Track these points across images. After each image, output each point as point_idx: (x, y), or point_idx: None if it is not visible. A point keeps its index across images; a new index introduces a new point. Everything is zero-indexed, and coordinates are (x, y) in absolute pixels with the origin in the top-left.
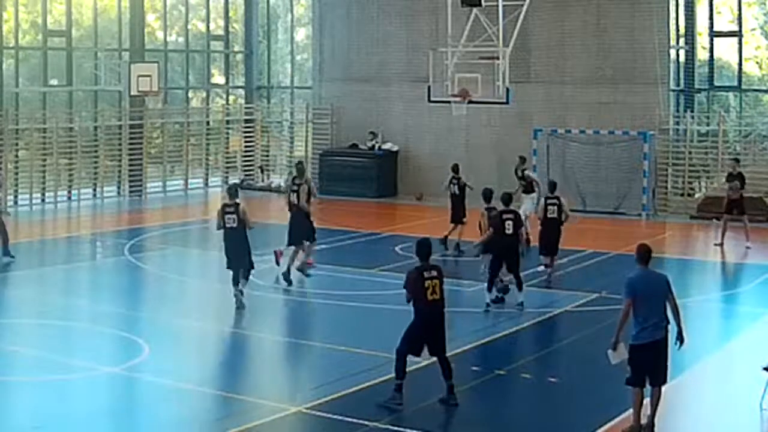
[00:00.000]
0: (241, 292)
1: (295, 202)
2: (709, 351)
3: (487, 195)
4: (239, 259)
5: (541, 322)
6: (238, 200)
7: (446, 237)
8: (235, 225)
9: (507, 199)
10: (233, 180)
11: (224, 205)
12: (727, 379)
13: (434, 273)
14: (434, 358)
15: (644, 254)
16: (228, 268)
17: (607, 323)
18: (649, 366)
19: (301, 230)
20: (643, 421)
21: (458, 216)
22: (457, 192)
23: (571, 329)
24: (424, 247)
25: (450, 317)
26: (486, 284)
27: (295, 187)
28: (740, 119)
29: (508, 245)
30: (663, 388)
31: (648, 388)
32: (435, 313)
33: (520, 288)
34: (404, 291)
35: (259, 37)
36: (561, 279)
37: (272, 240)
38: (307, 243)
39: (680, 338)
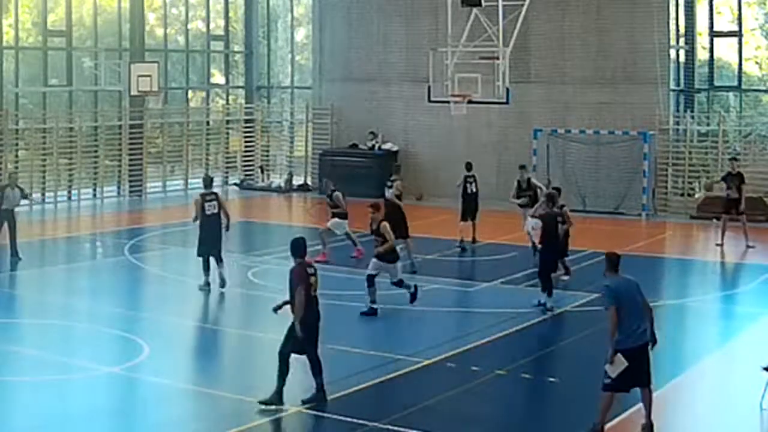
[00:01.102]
0: (222, 279)
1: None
2: (709, 351)
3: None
4: (216, 244)
5: (541, 322)
6: (214, 190)
7: (462, 240)
8: (216, 211)
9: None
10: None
11: (203, 194)
12: (727, 379)
13: (313, 269)
14: (435, 357)
15: (614, 261)
16: (200, 254)
17: (607, 324)
18: (637, 370)
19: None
20: (642, 421)
21: (471, 213)
22: (474, 190)
23: (571, 329)
24: (300, 243)
25: (450, 317)
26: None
27: (390, 183)
28: (740, 119)
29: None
30: (663, 388)
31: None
32: (318, 309)
33: (550, 292)
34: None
35: (259, 37)
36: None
37: (274, 240)
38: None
39: (653, 340)
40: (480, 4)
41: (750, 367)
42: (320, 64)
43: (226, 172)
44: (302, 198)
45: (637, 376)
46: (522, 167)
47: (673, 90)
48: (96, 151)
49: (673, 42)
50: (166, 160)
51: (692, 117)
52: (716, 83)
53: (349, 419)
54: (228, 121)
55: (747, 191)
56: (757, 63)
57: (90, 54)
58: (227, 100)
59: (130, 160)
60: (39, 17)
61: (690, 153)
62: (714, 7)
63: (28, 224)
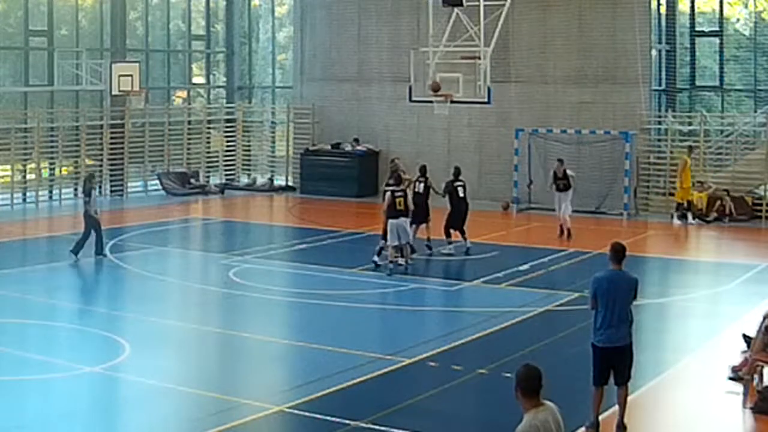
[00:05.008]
0: None
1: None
2: (690, 350)
3: None
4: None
5: (522, 321)
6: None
7: (429, 238)
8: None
9: None
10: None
11: (393, 191)
12: (708, 378)
13: None
14: (417, 357)
15: (613, 253)
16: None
17: (588, 323)
18: (604, 369)
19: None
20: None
21: (422, 215)
22: (420, 191)
23: (552, 329)
24: None
25: (431, 317)
26: None
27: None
28: (722, 119)
29: None
30: (644, 388)
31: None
32: None
33: None
34: None
35: (241, 37)
36: (542, 278)
37: (255, 239)
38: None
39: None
40: (461, 4)
41: (730, 367)
42: (301, 64)
43: (207, 172)
44: (285, 197)
45: (606, 376)
46: (560, 161)
47: (655, 90)
48: (77, 151)
49: (654, 42)
50: (147, 160)
51: (674, 117)
52: (698, 83)
53: (331, 418)
54: (209, 121)
55: (731, 191)
56: (738, 63)
57: (71, 54)
58: (208, 100)
59: (112, 159)
60: (21, 16)
61: (671, 152)
62: (695, 7)
63: (9, 224)
